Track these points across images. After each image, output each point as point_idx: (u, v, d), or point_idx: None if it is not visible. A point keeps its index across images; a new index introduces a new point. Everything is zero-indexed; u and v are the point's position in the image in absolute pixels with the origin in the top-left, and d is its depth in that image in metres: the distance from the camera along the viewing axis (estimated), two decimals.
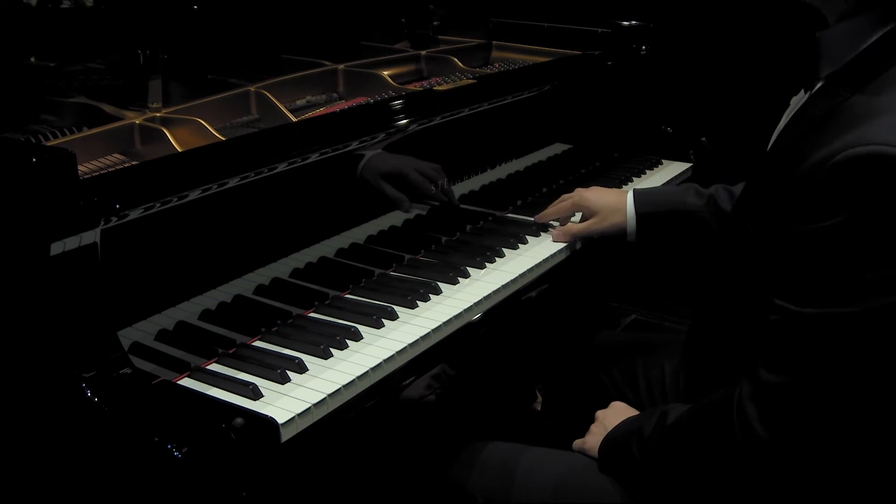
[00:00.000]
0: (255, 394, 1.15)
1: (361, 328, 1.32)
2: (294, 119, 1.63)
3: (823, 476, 1.10)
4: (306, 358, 1.24)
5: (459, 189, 1.77)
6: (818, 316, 0.99)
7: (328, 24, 2.06)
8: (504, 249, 1.64)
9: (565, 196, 1.75)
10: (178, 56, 1.66)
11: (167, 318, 1.26)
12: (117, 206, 1.12)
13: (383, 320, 1.36)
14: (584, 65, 2.19)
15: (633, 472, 1.27)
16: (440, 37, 2.28)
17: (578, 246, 1.71)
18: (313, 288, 1.43)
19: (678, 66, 2.52)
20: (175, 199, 1.20)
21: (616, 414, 1.41)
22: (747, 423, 1.06)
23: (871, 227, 0.95)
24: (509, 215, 1.85)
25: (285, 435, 1.11)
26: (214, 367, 1.24)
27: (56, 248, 1.06)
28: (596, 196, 1.70)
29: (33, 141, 1.47)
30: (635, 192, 1.67)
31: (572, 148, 2.13)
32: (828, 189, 0.97)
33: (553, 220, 1.75)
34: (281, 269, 1.41)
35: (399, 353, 1.29)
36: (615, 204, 1.67)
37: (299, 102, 1.79)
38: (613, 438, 1.32)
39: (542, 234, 1.73)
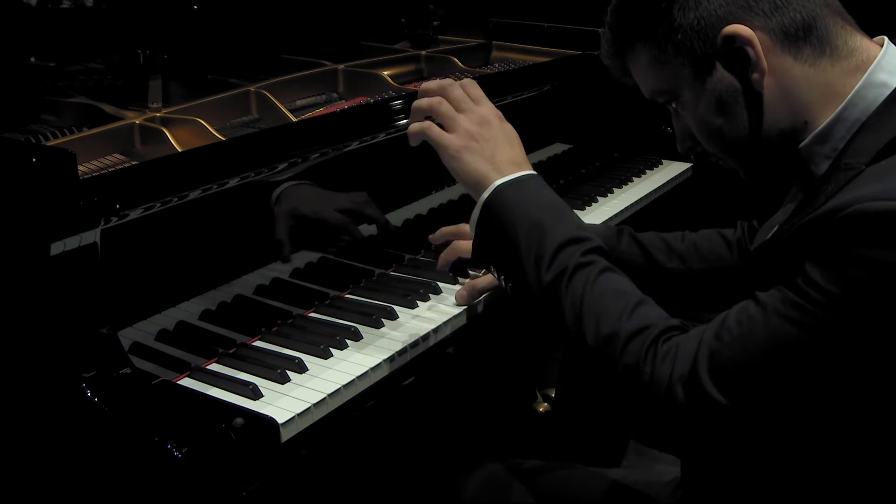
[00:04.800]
0: (255, 394, 1.15)
1: (361, 328, 1.32)
2: (294, 119, 1.63)
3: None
4: (306, 358, 1.24)
5: (459, 189, 1.76)
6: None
7: (328, 24, 2.06)
8: None
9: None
10: (178, 56, 1.66)
11: (167, 318, 1.26)
12: (117, 206, 1.12)
13: (383, 320, 1.36)
14: (584, 65, 2.18)
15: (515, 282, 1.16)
16: (440, 37, 2.28)
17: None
18: (313, 288, 1.43)
19: None
20: (175, 199, 1.20)
21: None
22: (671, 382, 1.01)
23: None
24: None
25: (285, 435, 1.11)
26: (214, 367, 1.24)
27: (56, 248, 1.06)
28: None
29: (33, 141, 1.47)
30: None
31: (572, 148, 2.13)
32: (837, 237, 0.93)
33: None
34: (281, 268, 1.41)
35: (399, 353, 1.28)
36: None
37: (299, 102, 1.79)
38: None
39: None
